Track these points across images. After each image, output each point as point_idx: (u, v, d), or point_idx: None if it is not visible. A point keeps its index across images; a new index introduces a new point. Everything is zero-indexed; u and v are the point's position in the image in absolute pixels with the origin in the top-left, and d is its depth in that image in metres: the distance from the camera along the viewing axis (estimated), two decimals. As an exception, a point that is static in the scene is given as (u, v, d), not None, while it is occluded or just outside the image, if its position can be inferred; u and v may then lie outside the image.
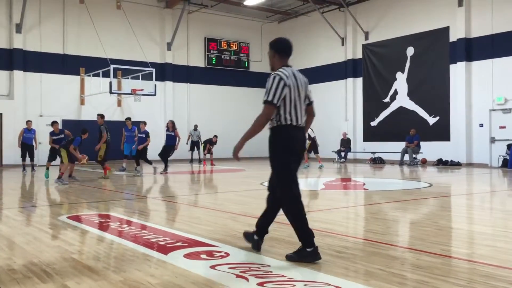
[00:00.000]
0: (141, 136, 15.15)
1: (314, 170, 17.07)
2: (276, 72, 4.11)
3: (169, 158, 15.99)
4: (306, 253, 3.99)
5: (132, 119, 22.77)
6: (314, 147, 17.72)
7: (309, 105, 4.31)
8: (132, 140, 15.61)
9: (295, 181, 4.09)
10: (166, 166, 15.55)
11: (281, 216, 6.32)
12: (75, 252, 4.43)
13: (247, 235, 4.57)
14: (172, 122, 15.90)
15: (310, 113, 4.35)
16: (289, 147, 4.07)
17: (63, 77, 21.36)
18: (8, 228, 5.78)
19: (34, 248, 4.66)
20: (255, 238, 4.42)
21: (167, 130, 15.87)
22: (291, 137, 4.07)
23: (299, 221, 4.04)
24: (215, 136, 20.22)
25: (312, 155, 19.18)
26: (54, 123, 14.26)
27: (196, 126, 22.53)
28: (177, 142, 15.63)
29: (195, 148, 22.17)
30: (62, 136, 13.85)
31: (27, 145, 16.19)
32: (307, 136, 16.89)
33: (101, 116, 14.23)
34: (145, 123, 15.75)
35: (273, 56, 4.38)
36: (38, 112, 20.67)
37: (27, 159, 16.27)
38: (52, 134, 13.96)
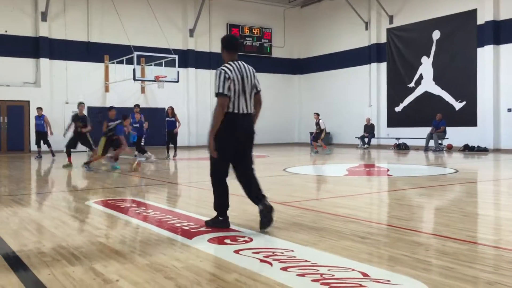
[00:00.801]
0: (136, 126, 14.93)
1: (333, 156, 16.98)
2: (221, 68, 4.62)
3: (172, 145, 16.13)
4: (218, 220, 4.77)
5: (155, 106, 23.15)
6: (318, 135, 18.58)
7: (257, 93, 4.82)
8: (139, 129, 15.16)
9: (225, 164, 4.72)
10: (175, 151, 15.93)
11: (305, 202, 6.32)
12: (102, 236, 4.52)
13: (213, 222, 4.85)
14: (172, 108, 16.10)
15: (257, 101, 4.86)
16: (231, 132, 4.58)
17: (88, 64, 21.63)
18: (37, 213, 5.93)
19: (62, 232, 4.78)
20: (221, 219, 4.80)
21: (167, 116, 16.02)
22: (235, 123, 4.58)
23: (219, 195, 4.77)
24: None
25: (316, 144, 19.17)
26: (111, 108, 12.76)
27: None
28: (177, 126, 15.89)
29: None
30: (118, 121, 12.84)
31: (39, 132, 16.57)
32: (322, 126, 16.34)
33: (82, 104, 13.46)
34: (138, 106, 15.74)
35: (222, 51, 4.86)
36: (64, 100, 21.03)
37: (44, 146, 16.61)
38: (108, 120, 12.39)
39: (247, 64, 4.78)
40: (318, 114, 18.93)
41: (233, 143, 4.62)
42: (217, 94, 4.56)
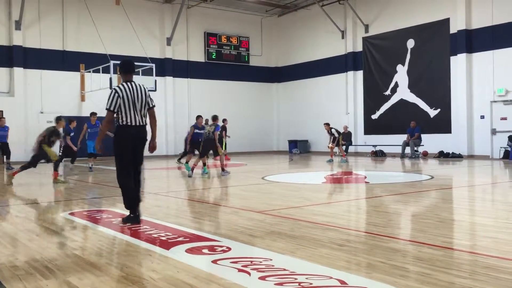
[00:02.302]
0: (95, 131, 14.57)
1: (317, 163, 17.08)
2: (114, 88, 5.59)
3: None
4: (131, 217, 5.59)
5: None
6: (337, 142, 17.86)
7: (150, 109, 5.73)
8: (95, 137, 14.95)
9: (125, 168, 5.59)
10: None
11: (283, 210, 6.33)
12: (77, 248, 4.44)
13: (127, 219, 5.63)
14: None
15: (151, 115, 5.78)
16: (124, 141, 5.54)
17: (63, 73, 21.34)
18: (10, 225, 5.80)
19: (36, 244, 4.67)
20: (132, 216, 5.60)
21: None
22: (126, 134, 5.54)
23: (125, 196, 5.63)
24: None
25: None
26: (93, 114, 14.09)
27: (207, 120, 22.55)
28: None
29: None
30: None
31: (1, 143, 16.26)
32: (336, 134, 16.09)
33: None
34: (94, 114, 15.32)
35: (119, 73, 5.88)
36: (38, 109, 20.68)
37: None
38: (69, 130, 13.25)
39: (141, 84, 5.70)
40: (328, 124, 17.92)
41: (127, 149, 5.55)
42: (107, 109, 5.51)
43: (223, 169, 12.38)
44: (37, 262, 3.92)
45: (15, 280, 3.43)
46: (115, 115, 5.56)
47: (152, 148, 5.77)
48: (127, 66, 5.77)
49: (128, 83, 5.61)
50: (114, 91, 5.50)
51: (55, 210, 6.91)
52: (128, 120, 5.52)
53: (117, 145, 5.56)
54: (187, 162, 12.87)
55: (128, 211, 5.67)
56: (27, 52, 20.51)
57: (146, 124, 5.69)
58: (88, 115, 21.41)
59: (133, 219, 5.56)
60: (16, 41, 20.20)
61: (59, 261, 3.96)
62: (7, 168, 15.90)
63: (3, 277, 3.51)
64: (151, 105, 5.72)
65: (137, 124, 5.57)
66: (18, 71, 20.18)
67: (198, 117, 13.67)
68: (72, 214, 6.44)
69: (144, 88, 5.70)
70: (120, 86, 5.56)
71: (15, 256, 4.18)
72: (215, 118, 12.50)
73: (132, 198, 5.58)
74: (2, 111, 16.90)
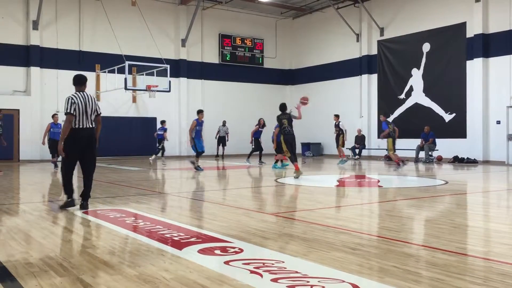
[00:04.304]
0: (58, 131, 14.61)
1: (330, 166, 17.01)
2: (69, 96, 6.65)
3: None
4: (68, 201, 6.73)
5: (147, 115, 23.11)
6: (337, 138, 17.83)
7: (97, 116, 6.85)
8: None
9: (72, 161, 6.71)
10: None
11: (296, 213, 6.32)
12: (90, 247, 4.47)
13: (65, 204, 6.74)
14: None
15: (98, 121, 6.91)
16: (74, 141, 6.57)
17: (79, 73, 21.51)
18: (25, 223, 5.87)
19: (50, 242, 4.72)
20: (69, 200, 6.74)
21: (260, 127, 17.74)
22: (77, 135, 6.56)
23: (66, 183, 6.78)
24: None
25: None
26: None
27: (224, 122, 22.69)
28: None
29: (221, 143, 22.54)
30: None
31: (55, 140, 14.43)
32: (343, 128, 16.28)
33: None
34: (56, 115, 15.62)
35: (74, 85, 6.90)
36: (54, 108, 20.88)
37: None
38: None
39: (91, 94, 6.87)
40: (338, 116, 18.02)
41: (76, 148, 6.61)
42: (66, 113, 6.50)
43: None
44: (51, 259, 3.96)
45: (29, 277, 3.47)
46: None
47: (96, 145, 6.92)
48: (80, 80, 6.88)
49: (81, 93, 6.73)
50: (70, 98, 6.58)
51: (69, 208, 6.97)
52: (81, 124, 6.58)
53: (69, 145, 6.56)
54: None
55: (66, 196, 6.84)
56: (44, 52, 20.76)
57: (94, 127, 6.82)
58: (104, 114, 21.60)
59: (70, 203, 6.74)
60: (33, 41, 20.47)
61: (73, 259, 3.99)
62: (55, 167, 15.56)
63: (17, 274, 3.55)
64: (99, 112, 6.87)
65: (88, 127, 6.66)
66: (35, 70, 20.44)
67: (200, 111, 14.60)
68: (85, 212, 6.49)
69: (94, 97, 6.91)
70: (75, 94, 6.66)
71: (30, 253, 4.23)
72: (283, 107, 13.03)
73: (71, 186, 6.82)
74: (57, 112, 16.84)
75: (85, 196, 6.77)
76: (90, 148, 6.74)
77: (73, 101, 6.55)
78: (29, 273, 3.57)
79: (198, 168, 14.14)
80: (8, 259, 3.97)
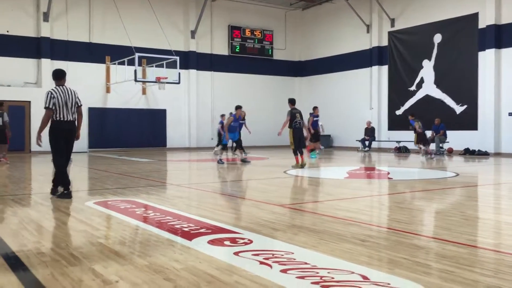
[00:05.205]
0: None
1: (340, 158, 16.97)
2: (49, 90, 6.98)
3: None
4: (64, 193, 6.99)
5: (156, 107, 23.16)
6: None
7: (78, 107, 7.17)
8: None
9: (58, 152, 7.04)
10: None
11: (305, 204, 6.32)
12: (101, 237, 4.51)
13: (61, 195, 7.00)
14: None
15: (79, 112, 7.21)
16: (56, 132, 6.94)
17: (89, 65, 21.65)
18: (37, 213, 5.93)
19: (61, 232, 4.77)
20: (65, 192, 6.99)
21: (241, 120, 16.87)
22: (58, 127, 6.94)
23: (58, 175, 7.11)
24: None
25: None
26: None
27: (231, 113, 22.63)
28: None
29: None
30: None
31: None
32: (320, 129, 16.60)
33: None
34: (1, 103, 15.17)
35: (53, 80, 7.19)
36: (65, 100, 21.03)
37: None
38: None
39: (71, 88, 7.13)
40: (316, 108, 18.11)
41: (60, 138, 6.96)
42: (45, 108, 6.87)
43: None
44: (62, 249, 4.01)
45: (41, 266, 3.51)
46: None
47: (76, 137, 7.20)
48: (59, 74, 7.16)
49: (61, 87, 7.02)
50: (49, 93, 6.88)
51: (80, 199, 7.04)
52: (61, 116, 6.92)
53: (52, 136, 6.96)
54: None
55: (62, 188, 7.10)
56: (54, 44, 20.86)
57: (75, 119, 7.12)
58: (114, 106, 21.73)
59: (66, 195, 6.94)
60: (44, 33, 20.57)
61: (84, 249, 4.03)
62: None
63: (30, 263, 3.59)
64: (79, 104, 7.18)
65: (68, 119, 7.00)
66: (45, 62, 20.54)
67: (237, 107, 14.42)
68: (96, 203, 6.54)
69: (73, 91, 7.15)
70: (54, 89, 6.97)
71: (41, 243, 4.28)
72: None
73: (59, 178, 7.09)
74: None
75: (67, 184, 7.12)
76: (70, 139, 7.12)
77: (52, 95, 6.87)
78: (41, 262, 3.61)
79: (220, 162, 13.82)
80: (21, 249, 4.02)
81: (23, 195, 7.58)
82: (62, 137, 6.98)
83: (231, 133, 14.32)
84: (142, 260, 3.67)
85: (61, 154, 7.07)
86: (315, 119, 16.39)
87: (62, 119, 6.93)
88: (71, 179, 7.35)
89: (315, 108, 16.80)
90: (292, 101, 12.37)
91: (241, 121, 15.21)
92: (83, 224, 5.23)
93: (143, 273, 3.33)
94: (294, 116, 12.11)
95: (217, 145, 15.69)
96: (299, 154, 12.18)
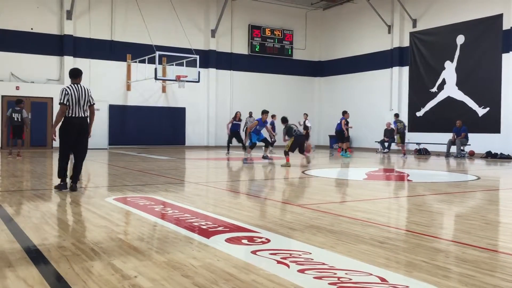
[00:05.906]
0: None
1: (359, 159, 16.87)
2: (64, 87, 7.25)
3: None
4: (60, 184, 7.38)
5: (176, 105, 23.32)
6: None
7: (91, 106, 7.41)
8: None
9: (66, 147, 7.36)
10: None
11: (323, 205, 6.30)
12: (121, 233, 4.57)
13: (58, 186, 7.38)
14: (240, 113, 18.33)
15: (91, 111, 7.47)
16: (67, 128, 7.22)
17: (111, 63, 21.91)
18: (58, 207, 6.02)
19: (82, 227, 4.84)
20: (62, 184, 7.37)
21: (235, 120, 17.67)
22: (70, 123, 7.20)
23: (61, 167, 7.40)
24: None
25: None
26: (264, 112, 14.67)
27: (250, 113, 22.70)
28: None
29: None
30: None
31: None
32: (303, 127, 16.91)
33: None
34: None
35: (69, 77, 7.47)
36: (86, 97, 21.32)
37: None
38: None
39: (85, 86, 7.40)
40: (307, 115, 20.83)
41: (69, 135, 7.24)
42: (60, 103, 7.14)
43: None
44: (83, 244, 4.06)
45: (62, 260, 3.57)
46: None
47: (88, 133, 7.45)
48: (75, 73, 7.44)
49: (75, 85, 7.28)
50: (64, 90, 7.17)
51: (100, 195, 7.13)
52: (73, 113, 7.18)
53: (63, 132, 7.22)
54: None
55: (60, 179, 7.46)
56: (77, 42, 21.16)
57: (87, 117, 7.36)
58: (134, 104, 21.95)
59: (63, 186, 7.36)
60: (67, 31, 20.88)
61: (104, 244, 4.08)
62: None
63: (51, 256, 3.65)
64: (92, 103, 7.41)
65: (80, 116, 7.25)
66: (68, 59, 20.86)
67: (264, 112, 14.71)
68: (116, 199, 6.62)
69: (87, 89, 7.39)
70: (69, 86, 7.25)
71: (62, 237, 4.35)
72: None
73: (65, 171, 7.42)
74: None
75: (75, 179, 7.40)
76: (82, 135, 7.34)
77: (66, 92, 7.15)
78: (62, 256, 3.67)
79: (245, 162, 14.04)
80: (42, 243, 4.09)
81: (45, 190, 7.70)
82: (72, 133, 7.21)
83: (255, 134, 14.66)
84: (160, 256, 3.70)
85: (66, 150, 7.36)
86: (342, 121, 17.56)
87: (73, 115, 7.18)
88: (88, 174, 7.50)
89: (345, 112, 17.96)
90: (283, 120, 13.58)
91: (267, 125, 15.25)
92: (103, 219, 5.29)
93: (162, 269, 3.36)
94: (290, 128, 13.11)
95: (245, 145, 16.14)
96: (289, 155, 13.05)
